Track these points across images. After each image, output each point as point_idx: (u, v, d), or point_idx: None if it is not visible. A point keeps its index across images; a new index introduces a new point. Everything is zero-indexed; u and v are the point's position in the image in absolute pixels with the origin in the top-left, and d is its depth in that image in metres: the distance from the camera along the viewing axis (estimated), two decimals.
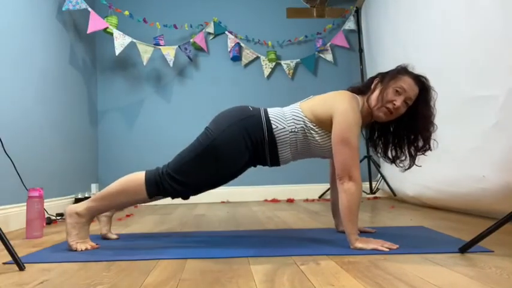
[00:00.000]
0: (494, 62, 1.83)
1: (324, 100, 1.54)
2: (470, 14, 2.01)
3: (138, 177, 1.52)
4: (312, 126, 1.52)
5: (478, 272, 1.08)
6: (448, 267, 1.13)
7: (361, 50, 3.96)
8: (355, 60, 4.01)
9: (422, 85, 1.54)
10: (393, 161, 1.65)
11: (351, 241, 1.41)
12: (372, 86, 1.59)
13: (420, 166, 1.65)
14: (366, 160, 3.76)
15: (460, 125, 2.14)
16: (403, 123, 1.58)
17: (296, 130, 1.52)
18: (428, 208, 2.71)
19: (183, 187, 1.50)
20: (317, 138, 1.52)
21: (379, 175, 3.62)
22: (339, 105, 1.48)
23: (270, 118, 1.54)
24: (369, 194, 3.76)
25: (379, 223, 2.07)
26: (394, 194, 3.26)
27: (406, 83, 1.51)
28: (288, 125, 1.53)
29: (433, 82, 1.57)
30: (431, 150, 1.57)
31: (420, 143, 1.57)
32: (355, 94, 1.58)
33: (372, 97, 1.55)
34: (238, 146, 1.49)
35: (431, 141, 1.55)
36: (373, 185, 3.75)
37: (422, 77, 1.56)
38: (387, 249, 1.35)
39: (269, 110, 1.59)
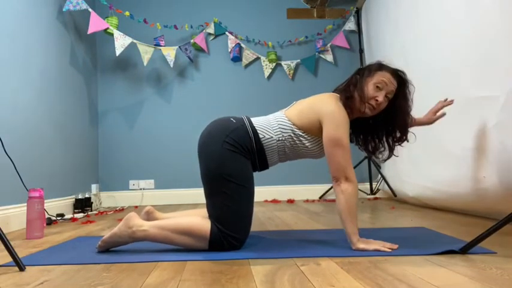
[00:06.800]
0: (494, 62, 1.83)
1: (309, 105, 1.55)
2: (471, 15, 2.01)
3: (204, 228, 1.44)
4: (300, 133, 1.53)
5: (478, 272, 1.07)
6: (448, 268, 1.13)
7: (361, 51, 3.96)
8: (356, 60, 4.01)
9: (401, 79, 1.57)
10: (373, 152, 1.68)
11: (352, 242, 1.40)
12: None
13: (397, 156, 1.70)
14: (366, 161, 3.76)
15: (460, 125, 2.13)
16: (381, 115, 1.60)
17: (283, 138, 1.54)
18: (428, 209, 2.71)
19: (243, 242, 1.47)
20: (307, 144, 1.53)
21: (379, 176, 3.62)
22: (326, 108, 1.49)
23: (256, 128, 1.54)
24: (369, 194, 3.76)
25: (380, 224, 2.06)
26: (395, 195, 3.25)
27: (386, 78, 1.53)
28: (275, 134, 1.54)
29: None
30: (408, 141, 1.61)
31: (398, 134, 1.61)
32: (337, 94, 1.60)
33: (354, 95, 1.57)
34: (240, 159, 1.49)
35: (408, 133, 1.59)
36: (374, 186, 3.75)
37: (400, 71, 1.58)
38: (389, 250, 1.35)
39: (253, 119, 1.59)
